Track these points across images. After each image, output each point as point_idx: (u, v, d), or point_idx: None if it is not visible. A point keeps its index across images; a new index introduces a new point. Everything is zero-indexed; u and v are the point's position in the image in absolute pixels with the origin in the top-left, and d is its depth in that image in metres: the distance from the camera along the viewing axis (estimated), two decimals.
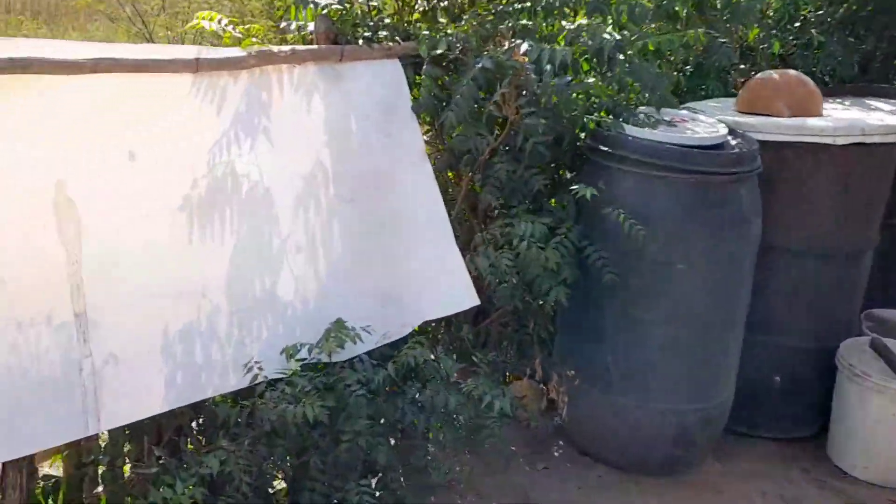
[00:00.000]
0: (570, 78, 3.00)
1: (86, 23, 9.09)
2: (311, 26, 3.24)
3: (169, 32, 8.47)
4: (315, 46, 2.97)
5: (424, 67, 3.08)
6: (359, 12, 3.21)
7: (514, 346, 3.45)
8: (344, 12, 3.11)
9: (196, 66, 2.63)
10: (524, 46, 3.02)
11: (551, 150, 3.14)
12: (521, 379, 3.57)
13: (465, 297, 3.01)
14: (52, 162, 2.38)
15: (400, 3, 3.32)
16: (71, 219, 2.40)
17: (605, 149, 3.15)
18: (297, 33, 3.28)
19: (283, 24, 3.28)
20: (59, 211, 2.39)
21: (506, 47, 3.07)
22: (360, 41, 3.14)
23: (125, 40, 8.34)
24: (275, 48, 2.82)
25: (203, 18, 2.87)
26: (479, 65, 2.96)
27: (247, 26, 2.89)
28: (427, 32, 3.22)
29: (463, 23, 3.28)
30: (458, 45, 3.13)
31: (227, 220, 2.69)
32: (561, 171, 3.39)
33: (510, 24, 3.23)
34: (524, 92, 3.02)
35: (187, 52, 2.66)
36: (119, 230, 2.48)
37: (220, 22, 2.89)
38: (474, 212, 3.39)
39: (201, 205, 2.63)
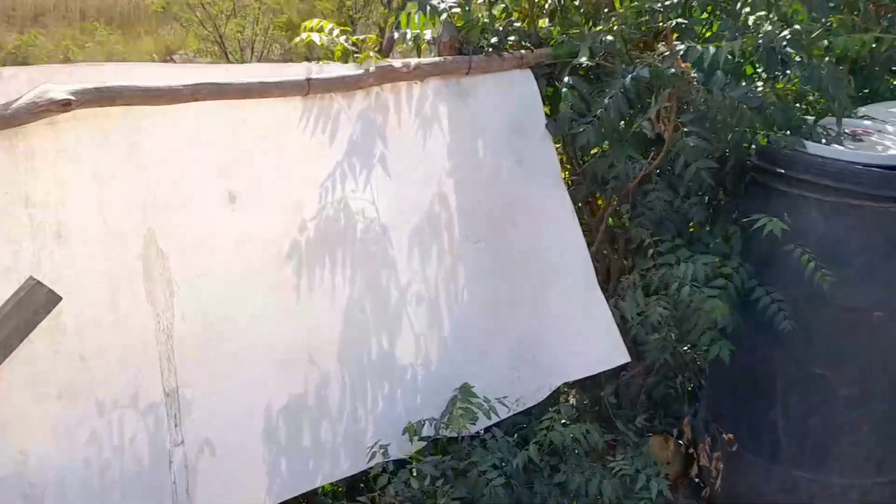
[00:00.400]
0: (745, 87, 2.47)
1: (157, 27, 8.93)
2: (427, 34, 2.80)
3: (240, 34, 8.25)
4: (440, 59, 2.52)
5: (566, 79, 2.59)
6: (483, 16, 2.74)
7: (656, 401, 2.96)
8: (470, 16, 2.65)
9: (307, 87, 2.21)
10: (680, 49, 2.50)
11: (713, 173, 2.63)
12: (661, 437, 3.08)
13: (612, 353, 2.54)
14: (141, 208, 2.00)
15: (530, 4, 2.83)
16: (162, 275, 2.03)
17: (780, 170, 2.60)
18: (411, 43, 2.84)
19: (396, 35, 2.83)
20: (148, 266, 2.01)
21: (660, 52, 2.55)
22: (484, 50, 2.67)
23: (196, 44, 8.19)
24: (396, 63, 2.38)
25: (311, 30, 2.44)
26: (633, 74, 2.46)
27: (361, 37, 2.45)
28: (564, 36, 2.74)
29: (603, 23, 2.78)
30: (601, 49, 2.63)
31: (340, 267, 2.28)
32: (719, 197, 2.86)
33: (663, 25, 2.71)
34: (685, 106, 2.51)
35: (296, 71, 2.24)
36: (216, 287, 2.10)
37: (330, 32, 2.46)
38: (613, 245, 2.90)
39: (310, 251, 2.23)
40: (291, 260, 2.20)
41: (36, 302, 1.84)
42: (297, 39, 2.46)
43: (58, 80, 1.85)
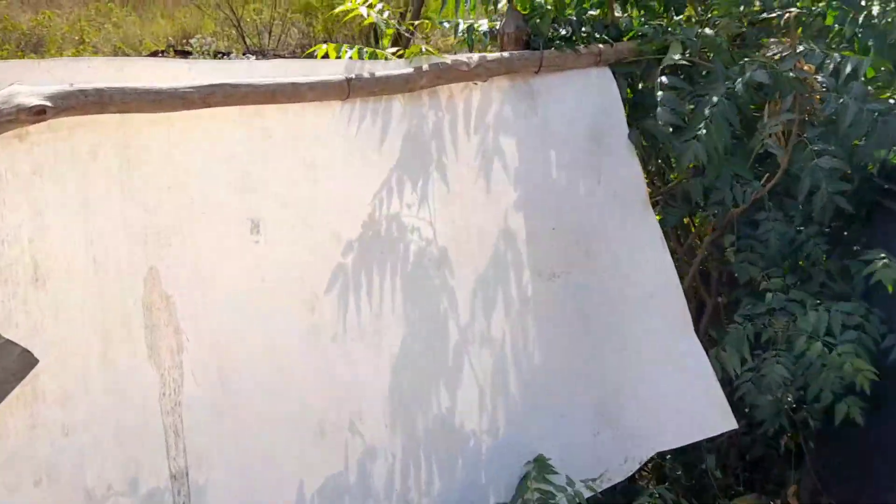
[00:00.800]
0: (871, 99, 2.01)
1: (174, 9, 8.67)
2: (482, 24, 2.37)
3: (257, 18, 7.97)
4: (505, 54, 2.08)
5: (661, 78, 2.14)
6: (550, 3, 2.30)
7: (752, 462, 2.50)
8: (538, 4, 2.21)
9: (347, 89, 1.79)
10: (801, 49, 2.06)
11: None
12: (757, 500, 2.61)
13: (714, 417, 2.08)
14: (141, 242, 1.59)
15: None
16: (167, 325, 1.61)
17: None
18: (463, 35, 2.41)
19: (446, 25, 2.40)
20: (150, 314, 1.60)
21: (774, 51, 2.10)
22: (555, 44, 2.24)
23: (213, 28, 7.93)
24: (455, 59, 1.95)
25: (359, 3, 2.01)
26: (746, 77, 2.01)
27: (415, 22, 2.03)
28: (647, 28, 2.30)
29: (693, 12, 2.34)
30: (697, 45, 2.19)
31: (388, 305, 1.85)
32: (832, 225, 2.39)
33: (768, 16, 2.25)
34: (807, 118, 2.06)
35: (334, 69, 1.82)
36: (235, 337, 1.68)
37: (381, 12, 2.03)
38: (704, 279, 2.44)
39: (351, 288, 1.81)
40: (328, 300, 1.77)
41: (6, 366, 1.43)
42: (338, 9, 2.02)
43: (32, 79, 1.44)
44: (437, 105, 1.96)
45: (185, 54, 7.02)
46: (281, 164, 1.75)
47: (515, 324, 1.98)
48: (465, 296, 1.93)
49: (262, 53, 7.83)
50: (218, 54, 6.89)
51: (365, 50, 1.93)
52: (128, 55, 7.61)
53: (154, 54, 7.55)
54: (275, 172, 1.74)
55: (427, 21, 2.03)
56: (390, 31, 2.02)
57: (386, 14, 2.01)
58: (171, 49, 7.49)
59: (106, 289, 1.55)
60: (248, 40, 8.01)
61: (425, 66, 1.90)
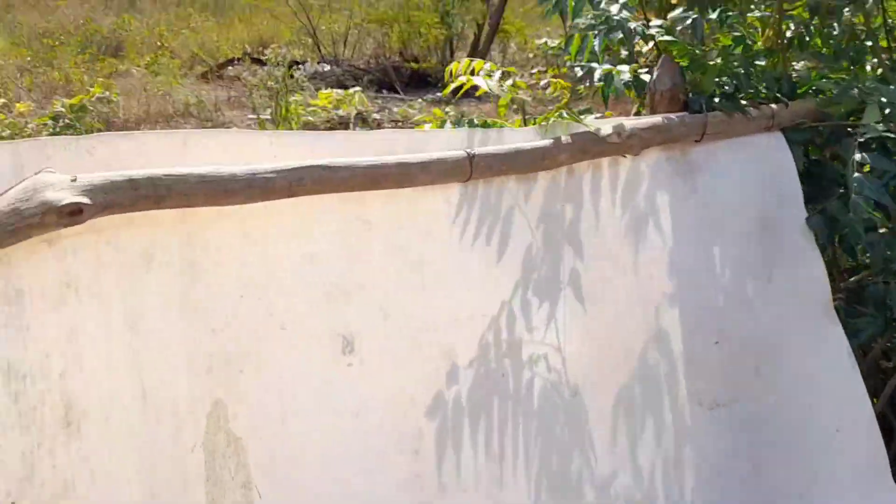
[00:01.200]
0: None
1: (252, 15, 8.61)
2: (623, 71, 1.94)
3: (334, 27, 7.90)
4: (660, 119, 1.65)
5: (857, 155, 1.67)
6: (698, 49, 1.85)
7: None
8: (698, 51, 1.78)
9: (469, 168, 1.39)
10: None
11: None
12: None
13: None
14: (204, 368, 1.22)
15: (776, 33, 1.94)
16: (235, 478, 1.24)
17: None
18: (592, 85, 1.99)
19: (574, 68, 1.98)
20: (213, 464, 1.23)
21: None
22: (714, 102, 1.80)
23: (289, 36, 7.86)
24: (601, 128, 1.53)
25: (467, 73, 1.61)
26: None
27: (544, 82, 1.65)
28: (827, 82, 1.85)
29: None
30: None
31: (508, 451, 1.44)
32: None
33: None
34: None
35: (448, 140, 1.43)
36: (320, 491, 1.30)
37: (490, 75, 1.63)
38: (891, 400, 1.96)
39: (460, 426, 1.41)
40: (435, 441, 1.38)
41: None
42: (451, 87, 1.64)
43: (67, 163, 1.08)
44: (576, 186, 1.55)
45: (260, 63, 6.83)
46: (382, 264, 1.36)
47: (669, 472, 1.54)
48: (603, 437, 1.51)
49: (336, 63, 7.62)
50: (293, 63, 6.71)
51: (477, 123, 1.53)
52: (204, 61, 7.47)
53: (230, 62, 7.40)
54: (374, 275, 1.35)
55: (559, 81, 1.62)
56: (504, 102, 1.62)
57: (497, 76, 1.60)
58: (247, 57, 7.34)
59: (157, 431, 1.19)
60: (323, 49, 7.85)
61: (565, 138, 1.49)
